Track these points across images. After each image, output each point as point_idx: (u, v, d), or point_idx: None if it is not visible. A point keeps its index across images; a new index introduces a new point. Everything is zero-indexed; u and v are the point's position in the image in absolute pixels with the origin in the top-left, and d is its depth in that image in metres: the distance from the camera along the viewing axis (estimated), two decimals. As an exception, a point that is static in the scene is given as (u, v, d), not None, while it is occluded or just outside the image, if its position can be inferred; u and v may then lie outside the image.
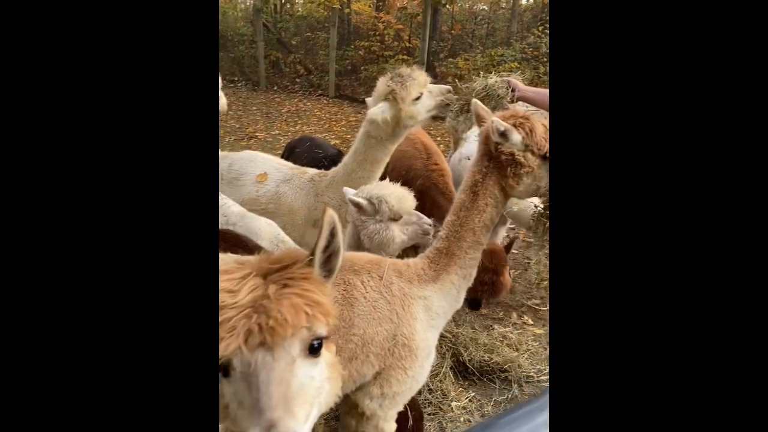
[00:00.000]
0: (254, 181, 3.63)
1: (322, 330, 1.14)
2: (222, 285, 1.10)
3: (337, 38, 13.76)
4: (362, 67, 14.26)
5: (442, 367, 3.69)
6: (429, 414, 3.43)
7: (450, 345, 3.88)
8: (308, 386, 1.11)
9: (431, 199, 3.95)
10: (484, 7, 17.82)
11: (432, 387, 3.58)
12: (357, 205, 2.71)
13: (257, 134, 10.08)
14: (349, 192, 2.80)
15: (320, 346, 1.14)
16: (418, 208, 4.02)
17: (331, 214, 1.22)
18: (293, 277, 1.13)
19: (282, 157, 4.50)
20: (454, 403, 3.50)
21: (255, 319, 1.05)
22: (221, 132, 9.77)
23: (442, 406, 3.48)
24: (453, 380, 3.68)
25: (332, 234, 1.23)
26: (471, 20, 16.96)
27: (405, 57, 13.66)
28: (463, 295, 2.37)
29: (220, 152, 4.51)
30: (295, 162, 3.95)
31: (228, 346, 1.04)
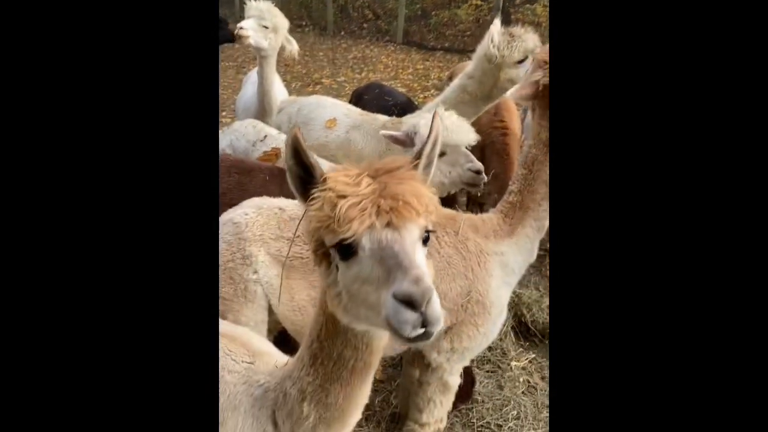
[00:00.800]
0: (323, 126, 3.58)
1: (430, 223, 1.15)
2: (340, 180, 1.11)
3: (408, -19, 13.19)
4: (432, 13, 13.65)
5: (504, 325, 3.63)
6: (487, 371, 3.40)
7: (512, 304, 3.80)
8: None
9: (486, 158, 3.70)
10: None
11: (492, 344, 3.54)
12: (391, 138, 2.57)
13: (323, 80, 10.01)
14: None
15: (428, 239, 1.17)
16: None
17: (438, 121, 1.27)
18: (402, 176, 1.14)
19: (350, 102, 4.42)
20: (513, 363, 3.45)
21: (383, 202, 1.08)
22: (288, 77, 9.76)
23: (501, 365, 3.44)
24: (513, 340, 3.62)
25: (435, 140, 1.26)
26: (553, -38, 15.70)
27: (479, 2, 12.93)
28: (536, 248, 2.27)
29: (289, 96, 4.49)
30: (363, 109, 3.85)
31: (361, 223, 1.05)
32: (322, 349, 1.21)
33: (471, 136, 2.48)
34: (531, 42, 2.89)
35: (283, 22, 3.80)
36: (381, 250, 1.06)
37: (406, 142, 2.58)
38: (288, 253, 1.98)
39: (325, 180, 1.13)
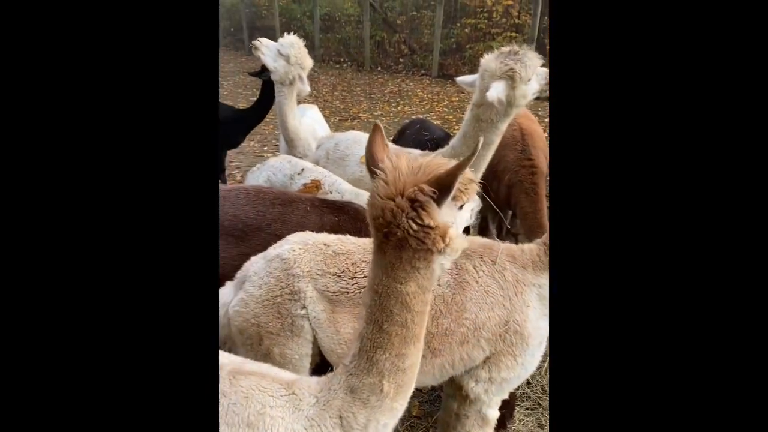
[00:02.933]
0: (358, 161, 3.67)
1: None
2: None
3: (443, 16, 13.48)
4: (467, 46, 13.86)
5: (544, 361, 3.53)
6: (526, 409, 3.30)
7: (552, 339, 3.69)
8: None
9: (514, 197, 3.65)
10: (604, -23, 16.42)
11: (531, 380, 3.44)
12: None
13: (360, 115, 10.25)
14: None
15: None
16: (503, 203, 3.77)
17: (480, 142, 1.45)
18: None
19: (392, 139, 4.51)
20: (554, 401, 3.33)
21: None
22: (326, 112, 10.06)
23: (541, 402, 3.33)
24: (554, 376, 3.51)
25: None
26: (588, -8, 15.71)
27: (513, 34, 13.06)
28: None
29: (329, 131, 4.63)
30: (402, 144, 3.92)
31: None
32: (392, 322, 1.29)
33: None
34: (536, 58, 2.96)
35: (303, 60, 3.94)
36: None
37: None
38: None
39: None
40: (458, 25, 14.50)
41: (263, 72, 4.15)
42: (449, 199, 1.24)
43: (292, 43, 3.89)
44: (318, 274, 2.09)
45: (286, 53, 3.84)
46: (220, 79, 14.89)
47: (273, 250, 2.19)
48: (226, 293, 2.16)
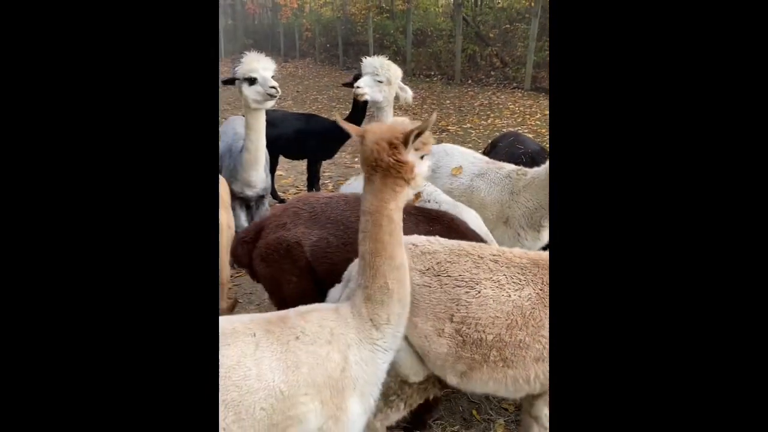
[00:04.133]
0: (449, 173, 3.73)
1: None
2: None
3: (538, 28, 13.21)
4: (563, 58, 13.45)
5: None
6: None
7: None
8: None
9: None
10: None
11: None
12: None
13: (449, 127, 10.30)
14: None
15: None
16: None
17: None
18: None
19: (484, 151, 4.52)
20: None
21: None
22: (416, 125, 10.22)
23: None
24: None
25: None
26: None
27: (613, 45, 12.46)
28: None
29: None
30: (494, 157, 3.92)
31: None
32: (382, 232, 1.81)
33: None
34: None
35: (396, 73, 4.04)
36: None
37: None
38: None
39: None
40: (554, 36, 14.12)
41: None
42: (411, 144, 1.80)
43: (381, 64, 4.03)
44: None
45: (383, 78, 3.99)
46: (316, 93, 15.69)
47: None
48: (335, 293, 2.29)
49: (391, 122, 1.92)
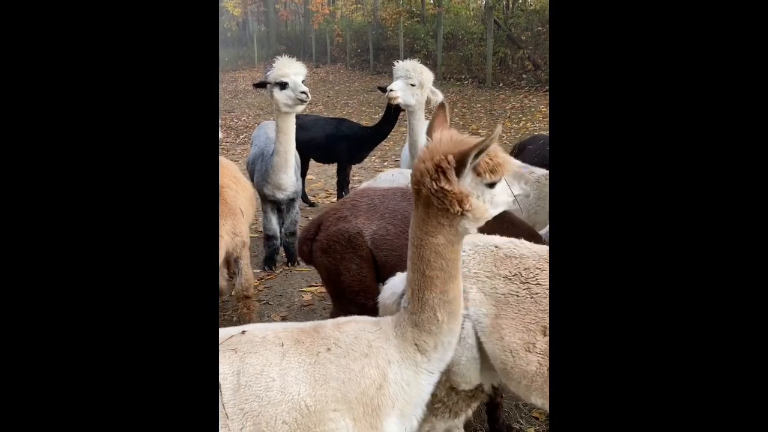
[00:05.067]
0: (479, 178, 3.70)
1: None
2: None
3: (572, 30, 12.99)
4: (597, 60, 13.18)
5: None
6: None
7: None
8: None
9: None
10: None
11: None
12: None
13: (480, 131, 10.22)
14: None
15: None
16: None
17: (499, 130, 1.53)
18: None
19: (510, 153, 4.48)
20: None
21: None
22: (446, 128, 10.18)
23: None
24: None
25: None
26: None
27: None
28: None
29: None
30: (523, 160, 3.87)
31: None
32: (431, 267, 1.59)
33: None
34: None
35: (428, 77, 4.09)
36: None
37: None
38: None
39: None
40: (588, 38, 13.87)
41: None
42: (468, 167, 1.50)
43: (413, 68, 4.06)
44: (487, 276, 2.00)
45: (416, 81, 4.02)
46: (346, 97, 15.82)
47: None
48: (398, 283, 2.15)
49: (458, 137, 1.58)
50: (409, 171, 3.73)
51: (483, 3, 19.06)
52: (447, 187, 1.47)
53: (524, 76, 14.96)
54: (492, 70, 15.03)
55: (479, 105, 12.70)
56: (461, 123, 11.00)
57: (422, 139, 4.24)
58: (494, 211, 1.65)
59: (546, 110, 11.45)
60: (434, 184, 1.47)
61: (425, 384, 1.70)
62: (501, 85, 14.85)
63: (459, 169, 1.48)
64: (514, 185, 1.73)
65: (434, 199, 1.49)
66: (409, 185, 3.29)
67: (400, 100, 4.06)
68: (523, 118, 10.95)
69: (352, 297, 2.68)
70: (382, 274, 2.63)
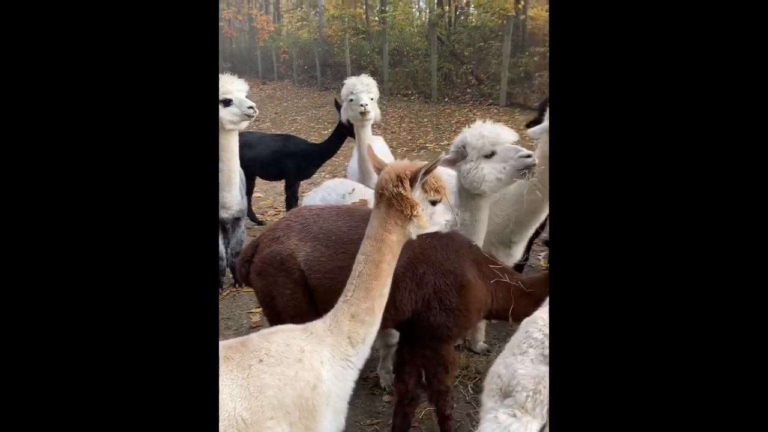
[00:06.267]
0: (423, 191, 3.75)
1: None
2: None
3: (511, 46, 13.50)
4: (536, 74, 13.75)
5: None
6: None
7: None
8: None
9: None
10: None
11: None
12: (445, 163, 2.68)
13: (427, 145, 10.38)
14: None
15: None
16: None
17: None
18: None
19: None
20: None
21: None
22: (393, 143, 10.29)
23: None
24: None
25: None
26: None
27: (584, 61, 12.79)
28: None
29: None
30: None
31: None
32: (384, 260, 1.90)
33: (512, 134, 2.64)
34: None
35: (377, 91, 4.25)
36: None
37: (457, 159, 2.68)
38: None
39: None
40: (526, 54, 14.45)
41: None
42: (418, 182, 1.92)
43: (369, 83, 4.19)
44: None
45: (374, 96, 4.14)
46: (294, 114, 15.73)
47: None
48: None
49: (411, 162, 2.00)
50: (352, 181, 3.76)
51: (426, 20, 19.54)
52: (403, 192, 1.89)
53: (468, 90, 15.39)
54: (437, 86, 15.37)
55: (426, 119, 12.93)
56: (409, 137, 11.15)
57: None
58: (432, 227, 2.03)
59: (490, 123, 11.79)
60: (394, 189, 1.89)
61: (350, 379, 1.91)
62: (446, 99, 15.20)
63: (412, 182, 1.91)
64: (448, 212, 2.10)
65: (394, 200, 1.89)
66: (345, 198, 3.30)
67: (370, 115, 4.11)
68: (469, 132, 11.23)
69: (288, 321, 2.61)
70: (317, 297, 2.57)
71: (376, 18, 20.69)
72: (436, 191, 2.02)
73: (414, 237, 1.99)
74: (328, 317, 1.94)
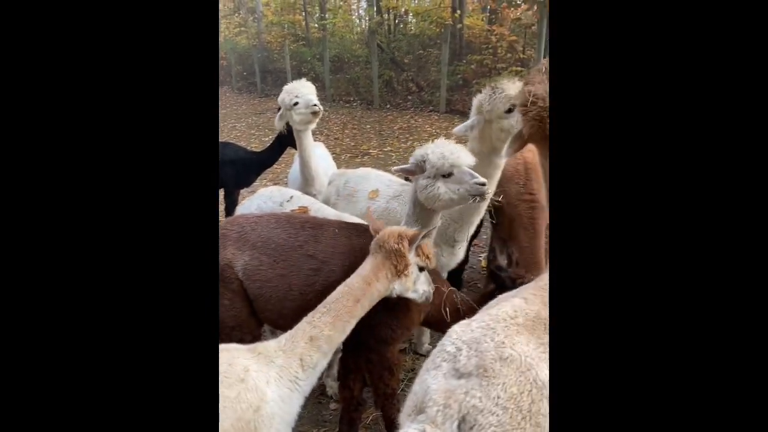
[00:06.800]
0: (367, 197, 3.77)
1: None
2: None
3: (449, 54, 13.85)
4: (474, 81, 14.17)
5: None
6: None
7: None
8: None
9: (514, 231, 3.69)
10: (605, 11, 16.76)
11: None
12: (403, 172, 2.76)
13: (370, 151, 10.45)
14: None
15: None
16: (507, 236, 3.81)
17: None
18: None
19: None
20: None
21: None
22: (337, 150, 10.28)
23: None
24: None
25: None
26: (591, 26, 16.04)
27: (519, 69, 13.32)
28: None
29: (338, 169, 4.77)
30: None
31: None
32: (363, 300, 2.08)
33: (470, 158, 2.69)
34: (512, 89, 2.92)
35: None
36: None
37: (416, 171, 2.74)
38: None
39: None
40: (464, 61, 14.87)
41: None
42: (415, 243, 2.17)
43: (312, 88, 4.13)
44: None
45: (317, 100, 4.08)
46: (234, 121, 15.35)
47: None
48: None
49: (408, 229, 2.30)
50: (290, 189, 3.72)
51: (366, 27, 19.69)
52: (402, 249, 2.11)
53: (409, 97, 15.62)
54: (379, 92, 15.51)
55: (369, 126, 13.00)
56: (353, 144, 11.17)
57: (313, 159, 4.22)
58: (412, 294, 2.25)
59: (431, 130, 12.03)
60: (395, 245, 2.10)
61: (296, 404, 1.90)
62: (388, 106, 15.36)
63: (411, 242, 2.15)
64: (427, 284, 2.30)
65: (392, 255, 2.10)
66: (283, 205, 3.27)
67: (320, 115, 4.05)
68: (411, 138, 11.39)
69: (228, 333, 2.54)
70: (256, 307, 2.54)
71: (316, 25, 20.61)
72: (427, 258, 2.25)
73: (393, 296, 2.17)
74: (284, 337, 1.95)
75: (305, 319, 1.98)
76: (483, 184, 2.59)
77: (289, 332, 1.95)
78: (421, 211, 2.76)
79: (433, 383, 1.45)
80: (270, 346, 1.90)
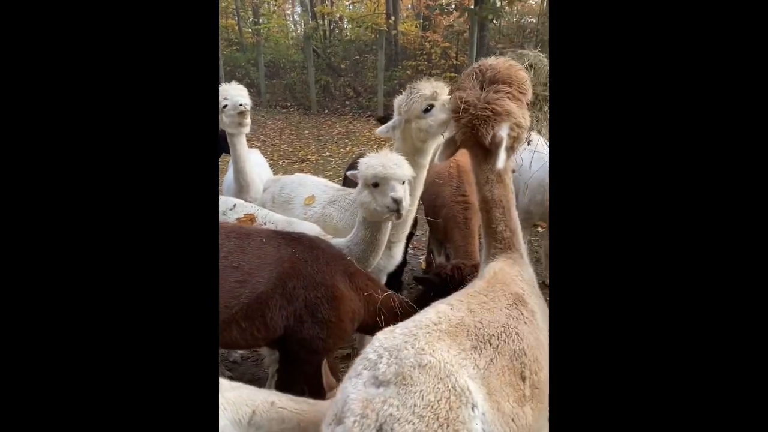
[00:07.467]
0: (303, 203, 3.74)
1: None
2: None
3: (385, 59, 14.02)
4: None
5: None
6: None
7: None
8: None
9: (449, 231, 3.81)
10: (532, 19, 17.62)
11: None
12: (353, 176, 2.78)
13: (309, 157, 10.37)
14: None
15: None
16: (442, 237, 3.91)
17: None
18: None
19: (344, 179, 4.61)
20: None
21: None
22: (274, 156, 10.12)
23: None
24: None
25: None
26: (519, 34, 16.80)
27: (452, 74, 13.70)
28: None
29: (273, 176, 4.70)
30: (350, 185, 4.02)
31: None
32: None
33: (407, 172, 2.69)
34: (427, 89, 2.96)
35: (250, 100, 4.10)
36: None
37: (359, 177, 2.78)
38: None
39: None
40: (400, 67, 15.10)
41: None
42: None
43: (243, 91, 3.99)
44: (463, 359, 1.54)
45: (249, 104, 3.96)
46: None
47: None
48: None
49: None
50: (231, 197, 3.63)
51: (301, 32, 19.55)
52: None
53: (347, 102, 15.66)
54: (316, 98, 15.43)
55: (307, 131, 12.90)
56: (290, 150, 11.04)
57: (248, 165, 4.13)
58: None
59: (369, 134, 12.11)
60: None
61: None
62: (326, 111, 15.31)
63: None
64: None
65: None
66: (226, 214, 3.16)
67: (248, 119, 3.91)
68: (349, 143, 11.42)
69: None
70: None
71: (250, 30, 20.23)
72: None
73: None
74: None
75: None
76: (396, 201, 2.59)
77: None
78: (363, 219, 2.77)
79: (353, 392, 1.42)
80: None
